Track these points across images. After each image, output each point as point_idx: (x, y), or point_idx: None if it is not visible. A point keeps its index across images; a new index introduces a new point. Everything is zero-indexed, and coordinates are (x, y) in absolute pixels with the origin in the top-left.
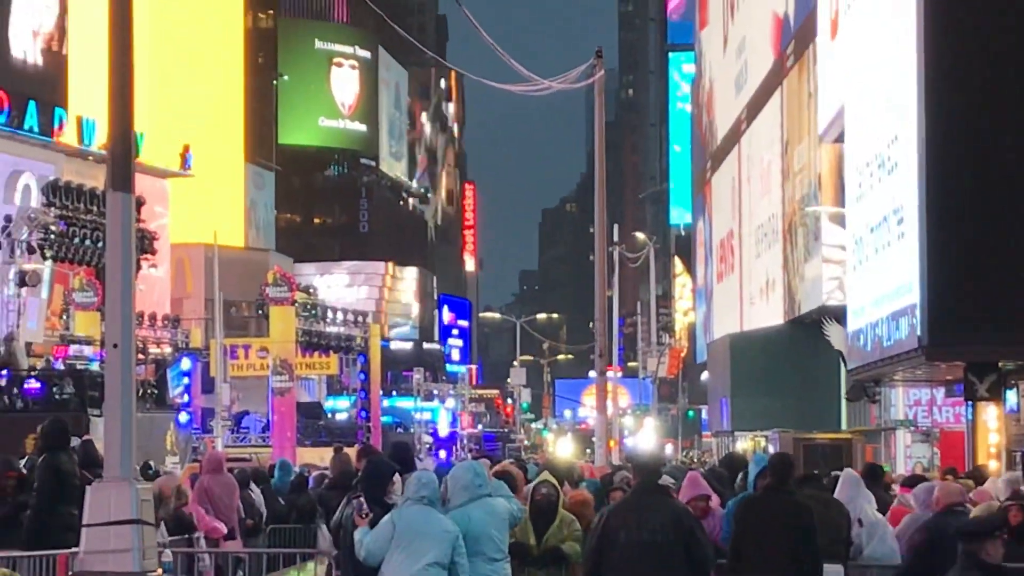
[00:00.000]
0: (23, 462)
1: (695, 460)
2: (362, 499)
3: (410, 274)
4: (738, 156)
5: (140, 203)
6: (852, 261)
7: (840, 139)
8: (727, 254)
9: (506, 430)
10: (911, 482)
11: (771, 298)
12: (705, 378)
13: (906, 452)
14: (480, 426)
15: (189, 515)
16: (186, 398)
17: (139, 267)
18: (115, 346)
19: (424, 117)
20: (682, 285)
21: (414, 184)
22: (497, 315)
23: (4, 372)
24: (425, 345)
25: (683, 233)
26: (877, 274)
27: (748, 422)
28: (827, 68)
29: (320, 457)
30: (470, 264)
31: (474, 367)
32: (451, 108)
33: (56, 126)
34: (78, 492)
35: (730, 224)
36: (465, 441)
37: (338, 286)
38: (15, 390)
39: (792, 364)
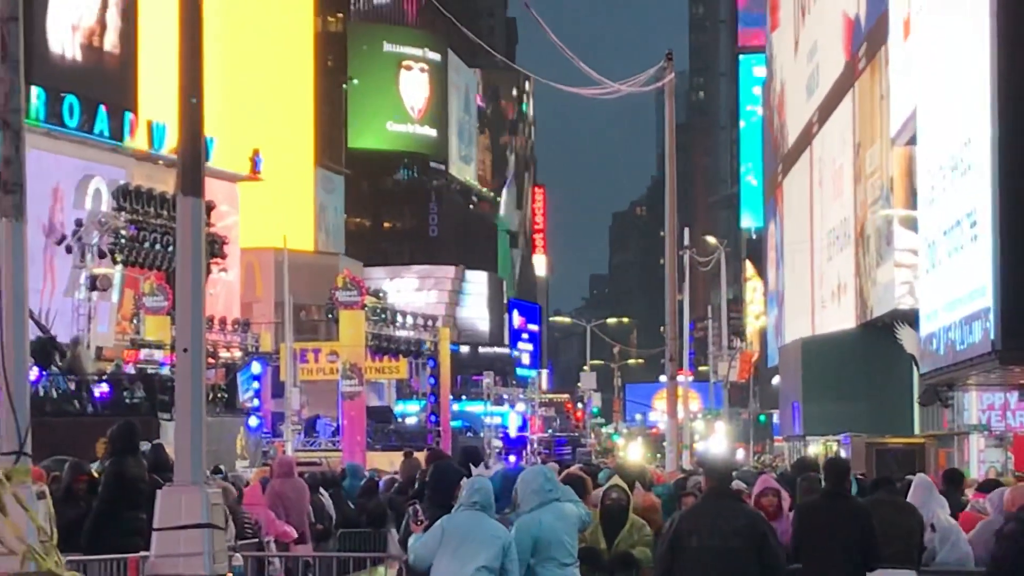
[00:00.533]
0: (95, 466)
1: (767, 464)
2: (417, 506)
3: (480, 278)
4: (810, 159)
5: (210, 207)
6: (925, 264)
7: (912, 141)
8: (800, 257)
9: (576, 434)
10: (985, 487)
11: (843, 302)
12: (776, 382)
13: (979, 457)
14: (550, 430)
15: (255, 520)
16: (256, 402)
17: (209, 271)
18: (185, 350)
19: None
20: (753, 289)
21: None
22: (567, 319)
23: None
24: (495, 349)
25: (754, 236)
26: (950, 277)
27: (820, 426)
28: (899, 70)
29: (390, 461)
30: (540, 268)
31: (544, 371)
32: (530, 111)
33: (126, 130)
34: (145, 496)
35: (802, 227)
36: (535, 445)
37: (408, 290)
38: (83, 394)
39: (864, 368)
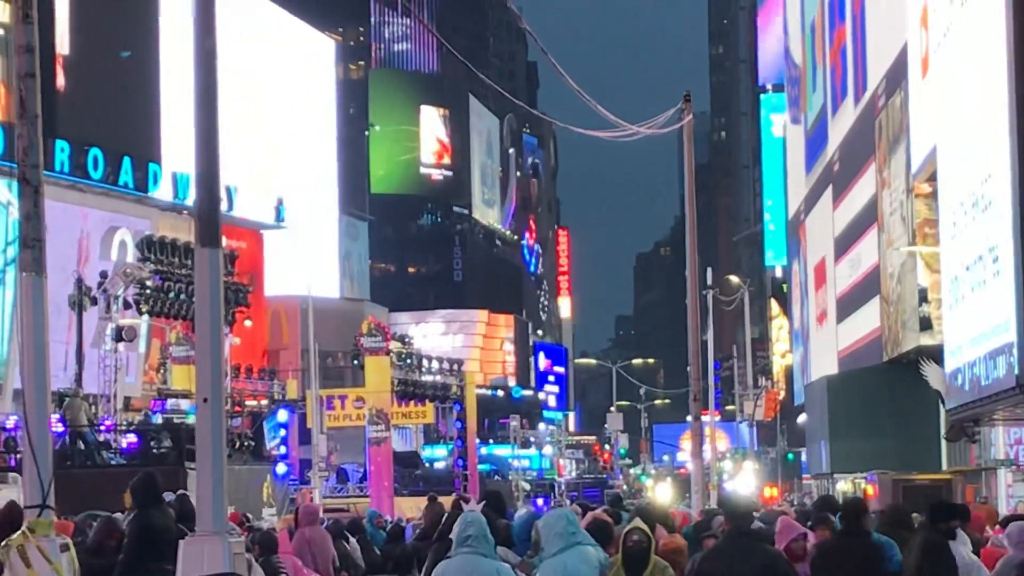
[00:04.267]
0: (124, 516)
1: (793, 504)
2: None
3: (505, 321)
4: (832, 196)
5: (232, 257)
6: (948, 300)
7: (934, 178)
8: (824, 295)
9: (604, 476)
10: (1008, 522)
11: (869, 339)
12: (803, 420)
13: (1007, 492)
14: (575, 472)
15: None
16: (283, 449)
17: (234, 320)
18: (205, 400)
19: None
20: (779, 327)
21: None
22: (593, 361)
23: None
24: (522, 392)
25: (779, 275)
26: (973, 313)
27: (847, 464)
28: (919, 106)
29: (417, 507)
30: (565, 310)
31: (571, 413)
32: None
33: (151, 181)
34: (172, 547)
35: (825, 265)
36: (563, 488)
37: (433, 335)
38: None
39: (890, 405)
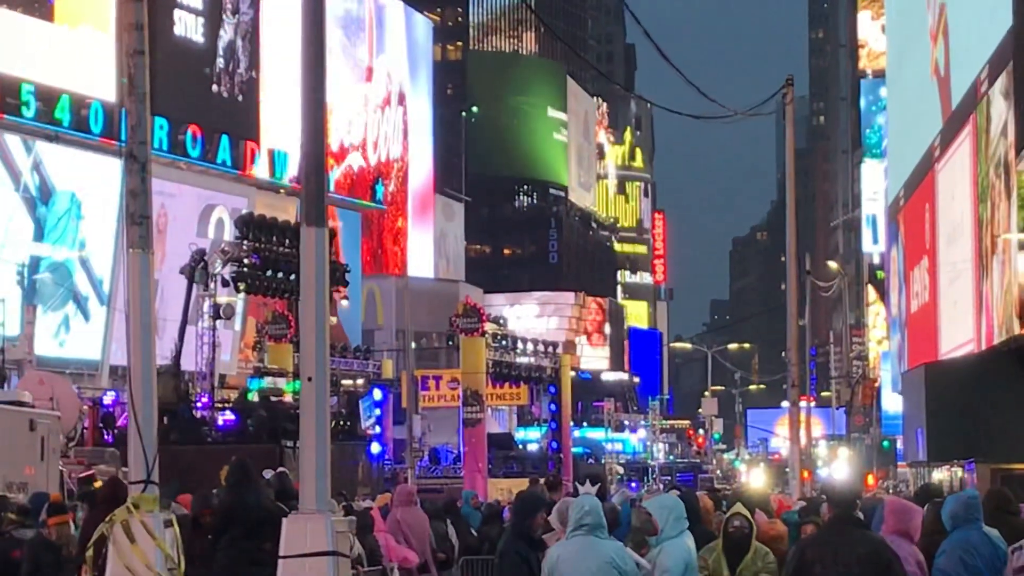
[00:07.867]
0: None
1: (889, 491)
2: None
3: (600, 304)
4: (933, 182)
5: (332, 235)
6: None
7: None
8: (922, 282)
9: (698, 460)
10: None
11: (967, 326)
12: (900, 408)
13: None
14: (671, 456)
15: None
16: (378, 429)
17: (331, 300)
18: (309, 379)
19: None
20: (875, 314)
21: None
22: (688, 345)
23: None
24: (616, 375)
25: (876, 261)
26: None
27: (945, 453)
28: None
29: (510, 489)
30: (660, 294)
31: (665, 397)
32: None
33: (255, 159)
34: (267, 525)
35: (924, 251)
36: (657, 472)
37: (528, 316)
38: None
39: (989, 393)
